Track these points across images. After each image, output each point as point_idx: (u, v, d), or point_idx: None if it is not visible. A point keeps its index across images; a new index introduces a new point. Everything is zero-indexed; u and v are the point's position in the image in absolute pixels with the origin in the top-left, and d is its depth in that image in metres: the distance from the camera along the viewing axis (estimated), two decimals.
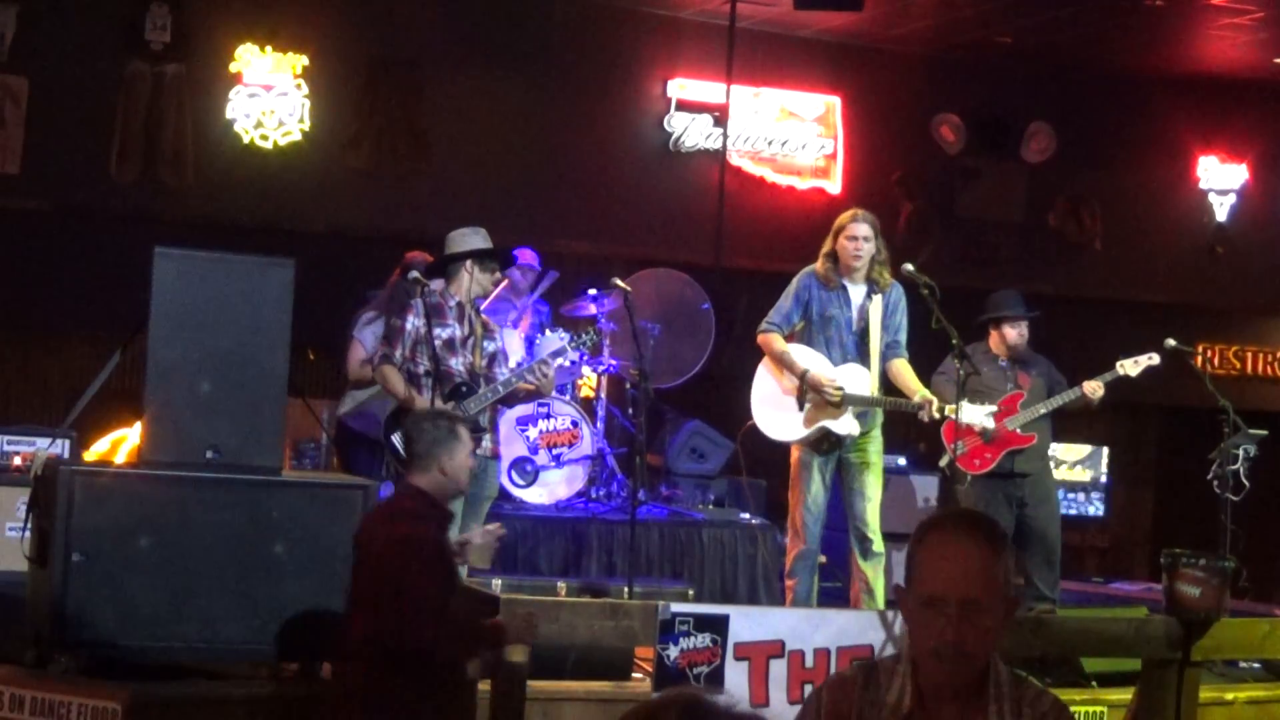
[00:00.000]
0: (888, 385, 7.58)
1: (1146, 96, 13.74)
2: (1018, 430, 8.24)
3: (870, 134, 13.11)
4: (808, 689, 5.82)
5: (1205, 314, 14.25)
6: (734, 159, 12.60)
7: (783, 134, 12.89)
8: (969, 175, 13.38)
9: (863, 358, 7.47)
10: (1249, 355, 14.65)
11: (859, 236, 7.43)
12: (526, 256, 9.71)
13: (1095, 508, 14.06)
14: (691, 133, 12.60)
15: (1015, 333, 8.46)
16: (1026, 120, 13.44)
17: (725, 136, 12.34)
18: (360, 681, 5.03)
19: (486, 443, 7.17)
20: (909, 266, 7.43)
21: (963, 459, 7.87)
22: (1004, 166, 13.46)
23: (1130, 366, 8.21)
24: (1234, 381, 13.97)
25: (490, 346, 7.31)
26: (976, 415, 7.62)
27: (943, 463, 8.22)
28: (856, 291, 7.51)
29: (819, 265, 7.51)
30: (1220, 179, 14.18)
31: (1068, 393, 8.25)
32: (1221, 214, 14.17)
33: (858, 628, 5.96)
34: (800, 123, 12.96)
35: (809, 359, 7.47)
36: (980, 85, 13.36)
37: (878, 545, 7.42)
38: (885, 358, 7.54)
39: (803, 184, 12.98)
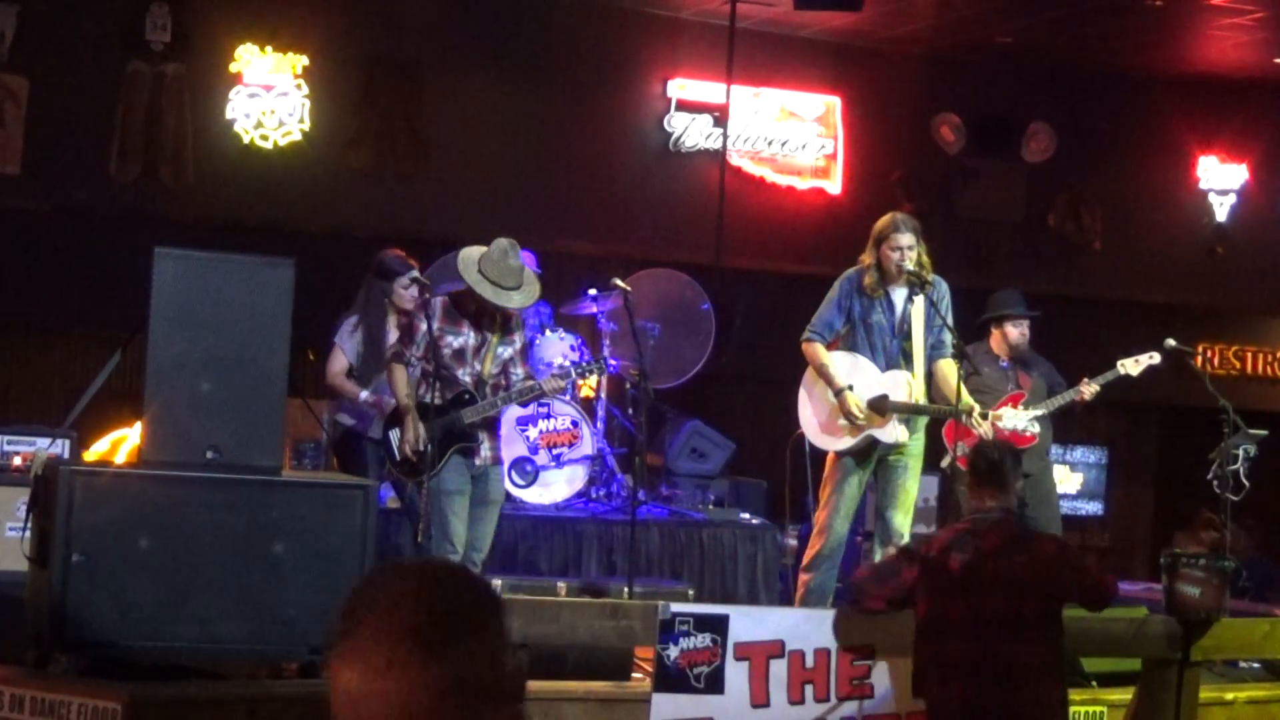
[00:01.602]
0: (932, 386, 7.50)
1: (1146, 96, 13.73)
2: (1018, 430, 8.23)
3: (870, 134, 13.10)
4: (808, 689, 5.82)
5: (1205, 314, 14.23)
6: (734, 159, 12.59)
7: (783, 134, 12.88)
8: (969, 175, 13.36)
9: (908, 362, 7.38)
10: (1249, 355, 14.63)
11: (902, 246, 7.31)
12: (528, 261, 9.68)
13: (1095, 508, 14.06)
14: (691, 133, 12.58)
15: (1017, 332, 8.46)
16: (1026, 120, 13.42)
17: (725, 136, 12.33)
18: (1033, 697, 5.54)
19: (486, 450, 7.24)
20: (909, 267, 7.41)
21: (963, 459, 7.85)
22: (1004, 166, 13.44)
23: (1131, 365, 8.21)
24: (1234, 381, 13.95)
25: (506, 352, 7.36)
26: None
27: (944, 463, 8.22)
28: (898, 295, 7.41)
29: (866, 278, 7.37)
30: (1220, 179, 14.16)
31: (1068, 392, 8.25)
32: (1221, 214, 14.15)
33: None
34: (800, 123, 12.95)
35: (852, 371, 7.37)
36: (980, 85, 13.35)
37: None
38: (930, 359, 7.45)
39: (803, 184, 12.97)
